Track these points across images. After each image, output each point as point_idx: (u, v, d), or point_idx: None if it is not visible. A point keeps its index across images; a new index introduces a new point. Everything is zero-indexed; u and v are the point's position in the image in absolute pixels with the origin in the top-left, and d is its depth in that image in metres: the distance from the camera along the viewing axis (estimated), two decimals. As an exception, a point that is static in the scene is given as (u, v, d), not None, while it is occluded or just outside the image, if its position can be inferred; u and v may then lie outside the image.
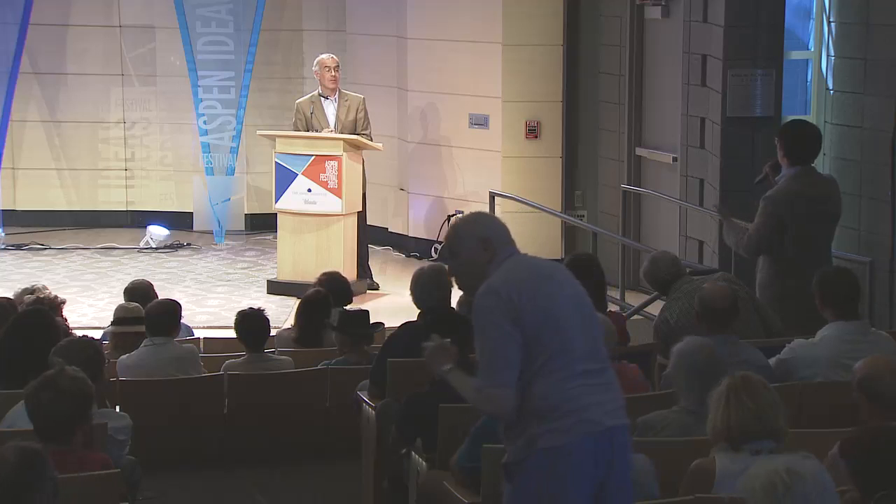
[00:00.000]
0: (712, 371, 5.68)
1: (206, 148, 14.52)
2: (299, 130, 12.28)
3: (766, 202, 8.21)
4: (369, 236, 12.91)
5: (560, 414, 4.64)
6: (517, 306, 4.65)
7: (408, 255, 13.98)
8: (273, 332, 8.66)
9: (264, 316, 8.15)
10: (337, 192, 11.93)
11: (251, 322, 8.10)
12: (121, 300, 8.76)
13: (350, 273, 11.65)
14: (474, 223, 4.96)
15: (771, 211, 8.17)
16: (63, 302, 8.73)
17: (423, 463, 6.12)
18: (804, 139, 8.33)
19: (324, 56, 12.51)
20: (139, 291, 8.88)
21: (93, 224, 15.13)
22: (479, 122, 13.46)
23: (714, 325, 6.78)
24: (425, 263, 9.26)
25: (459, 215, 13.31)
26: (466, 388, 4.78)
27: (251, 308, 8.22)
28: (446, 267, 7.35)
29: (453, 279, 5.09)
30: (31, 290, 8.64)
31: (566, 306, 4.74)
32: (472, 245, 4.85)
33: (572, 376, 4.68)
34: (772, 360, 6.81)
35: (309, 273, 11.10)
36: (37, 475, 4.31)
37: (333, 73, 12.32)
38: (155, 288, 9.18)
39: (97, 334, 8.13)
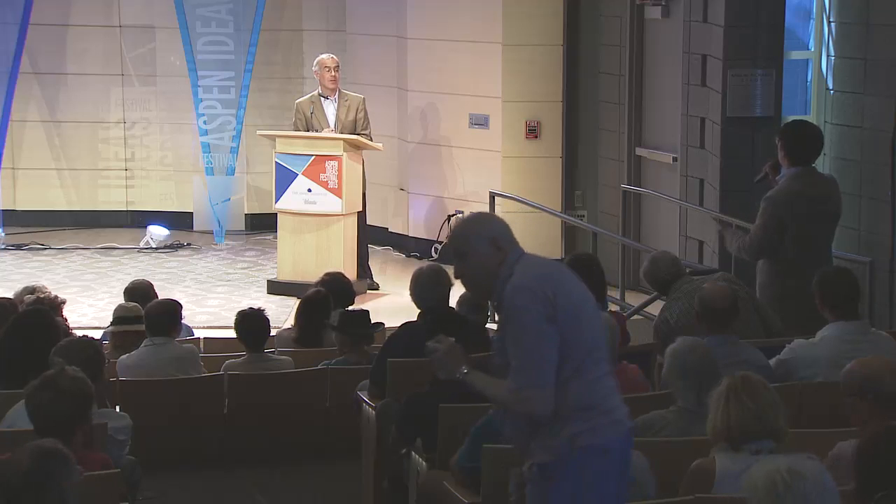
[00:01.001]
0: (706, 371, 5.70)
1: (206, 148, 14.52)
2: (299, 130, 12.28)
3: (767, 203, 8.21)
4: (369, 236, 12.91)
5: (595, 413, 4.64)
6: (553, 304, 4.56)
7: (408, 255, 13.97)
8: (273, 332, 8.66)
9: (264, 316, 8.15)
10: (337, 192, 11.92)
11: (251, 322, 8.10)
12: (121, 300, 8.76)
13: (350, 273, 11.64)
14: (483, 223, 4.81)
15: (772, 212, 8.16)
16: (63, 302, 8.73)
17: (423, 463, 6.12)
18: (805, 139, 8.32)
19: (324, 56, 12.50)
20: (139, 291, 8.88)
21: (93, 224, 15.13)
22: (479, 122, 13.45)
23: (714, 325, 6.78)
24: (425, 263, 9.25)
25: (459, 215, 13.37)
26: (495, 389, 4.68)
27: (251, 308, 8.22)
28: (444, 269, 7.39)
29: (460, 282, 4.88)
30: (31, 290, 8.65)
31: (586, 307, 4.72)
32: (482, 246, 4.70)
33: (601, 377, 4.69)
34: (772, 361, 6.81)
35: (309, 273, 11.11)
36: (44, 475, 4.28)
37: (333, 74, 12.32)
38: (155, 288, 9.18)
39: (97, 334, 8.13)
